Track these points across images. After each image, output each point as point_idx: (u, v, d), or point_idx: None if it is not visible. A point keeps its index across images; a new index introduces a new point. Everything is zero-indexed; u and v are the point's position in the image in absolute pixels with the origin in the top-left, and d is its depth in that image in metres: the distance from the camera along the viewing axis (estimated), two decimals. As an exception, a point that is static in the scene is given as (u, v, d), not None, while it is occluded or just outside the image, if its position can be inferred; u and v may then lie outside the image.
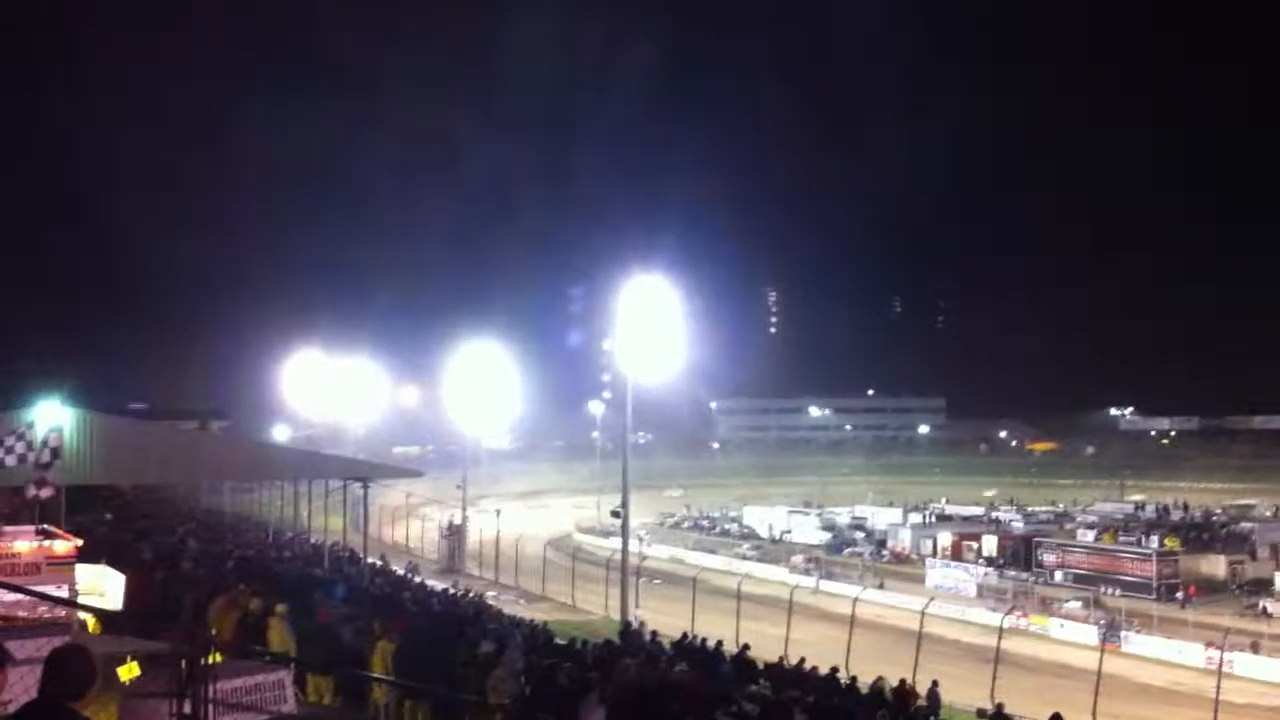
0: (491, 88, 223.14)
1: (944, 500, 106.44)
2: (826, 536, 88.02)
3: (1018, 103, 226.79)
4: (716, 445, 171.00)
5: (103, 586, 24.27)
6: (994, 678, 36.55)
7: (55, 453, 24.99)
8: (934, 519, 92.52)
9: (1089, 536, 75.84)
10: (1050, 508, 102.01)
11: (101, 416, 34.15)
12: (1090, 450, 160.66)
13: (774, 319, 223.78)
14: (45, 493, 24.46)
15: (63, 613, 14.86)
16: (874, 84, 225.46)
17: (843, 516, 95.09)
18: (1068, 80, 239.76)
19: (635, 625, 38.29)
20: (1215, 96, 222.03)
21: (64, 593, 19.25)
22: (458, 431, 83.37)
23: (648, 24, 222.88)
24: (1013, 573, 68.59)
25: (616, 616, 46.01)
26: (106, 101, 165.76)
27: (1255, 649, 45.93)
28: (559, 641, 27.56)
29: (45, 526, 24.15)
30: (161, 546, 33.84)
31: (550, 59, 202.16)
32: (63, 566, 21.56)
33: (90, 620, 15.29)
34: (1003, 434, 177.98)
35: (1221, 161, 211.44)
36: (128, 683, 9.95)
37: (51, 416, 28.44)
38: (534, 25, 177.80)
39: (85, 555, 23.79)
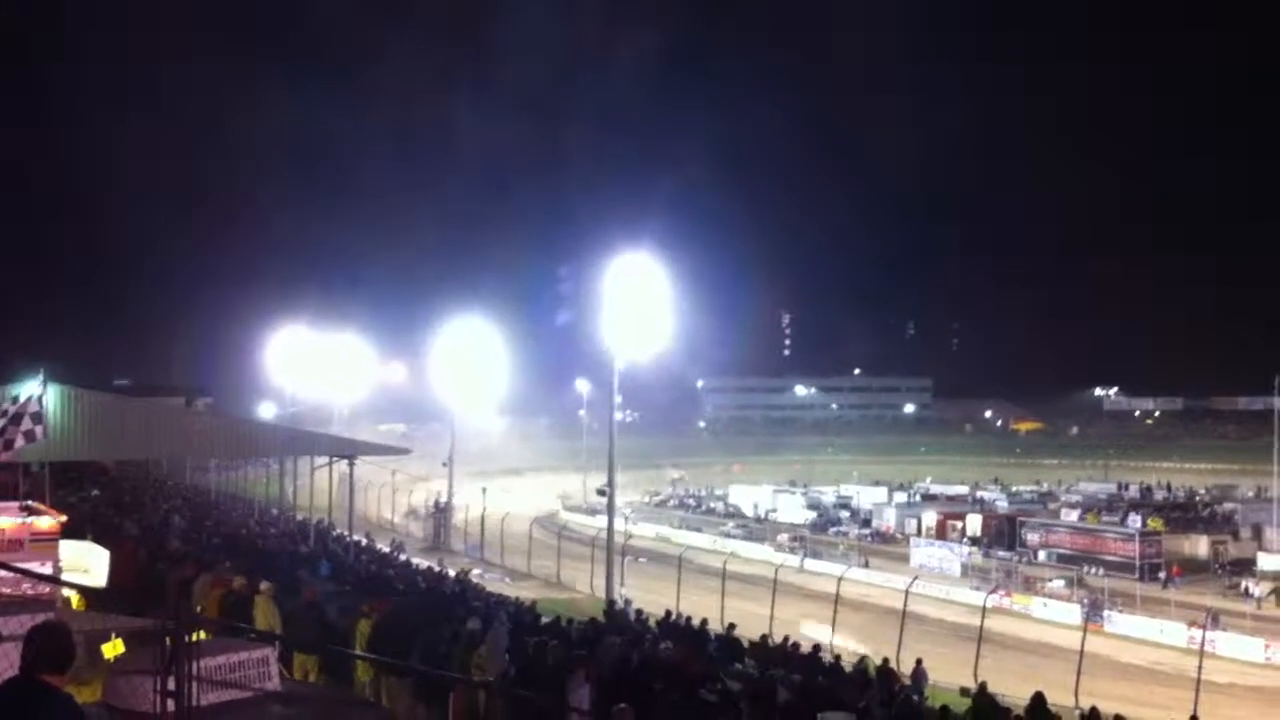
0: (484, 67, 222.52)
1: (928, 479, 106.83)
2: (812, 515, 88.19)
3: (1015, 100, 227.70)
4: (702, 424, 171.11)
5: (87, 563, 24.23)
6: (977, 656, 36.73)
7: (36, 419, 24.89)
8: (919, 498, 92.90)
9: (1073, 516, 76.10)
10: (1034, 487, 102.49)
11: (85, 393, 34.00)
12: (1075, 430, 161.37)
13: (786, 325, 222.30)
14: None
15: (46, 589, 14.82)
16: (872, 70, 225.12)
17: (828, 495, 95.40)
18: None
19: (620, 604, 38.38)
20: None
21: (48, 569, 19.22)
22: (444, 409, 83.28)
23: (645, 10, 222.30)
24: (997, 552, 68.89)
25: (602, 595, 46.12)
26: (93, 82, 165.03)
27: (1216, 621, 46.12)
28: (544, 619, 27.56)
29: (30, 503, 24.09)
30: (146, 524, 33.82)
31: (544, 40, 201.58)
32: (47, 543, 21.50)
33: (74, 597, 15.27)
34: (988, 414, 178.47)
35: (1211, 155, 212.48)
36: (112, 660, 9.93)
37: (34, 392, 28.33)
38: (528, 5, 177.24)
39: (70, 532, 23.76)
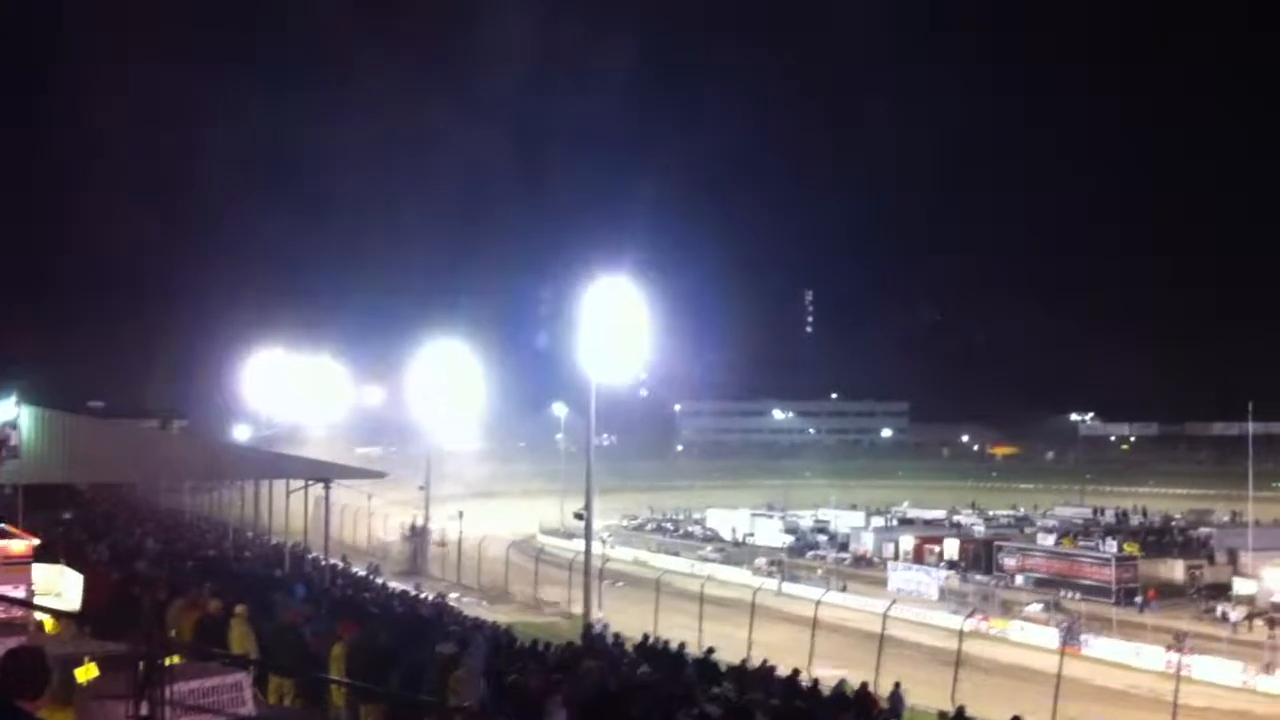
0: (462, 86, 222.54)
1: (905, 504, 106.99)
2: (789, 539, 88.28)
3: (992, 102, 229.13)
4: (680, 448, 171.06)
5: (60, 587, 24.00)
6: (955, 680, 36.76)
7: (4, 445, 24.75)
8: (896, 522, 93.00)
9: (1049, 541, 76.34)
10: (1011, 512, 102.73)
11: (59, 415, 33.74)
12: (1051, 455, 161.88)
13: (809, 323, 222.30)
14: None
15: (19, 613, 14.68)
16: (851, 84, 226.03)
17: (806, 519, 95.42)
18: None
19: (598, 628, 38.27)
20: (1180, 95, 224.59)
21: (20, 593, 19.03)
22: (421, 432, 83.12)
23: (633, 19, 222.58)
24: (974, 576, 69.05)
25: (579, 618, 45.98)
26: (67, 96, 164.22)
27: (1181, 640, 46.23)
28: (521, 643, 27.45)
29: (2, 526, 23.86)
30: (120, 547, 33.54)
31: (523, 58, 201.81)
32: (19, 566, 21.29)
33: (48, 621, 15.12)
34: (965, 438, 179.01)
35: (1190, 167, 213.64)
36: (85, 684, 9.83)
37: (7, 414, 28.12)
38: (506, 23, 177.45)
39: (42, 555, 23.53)
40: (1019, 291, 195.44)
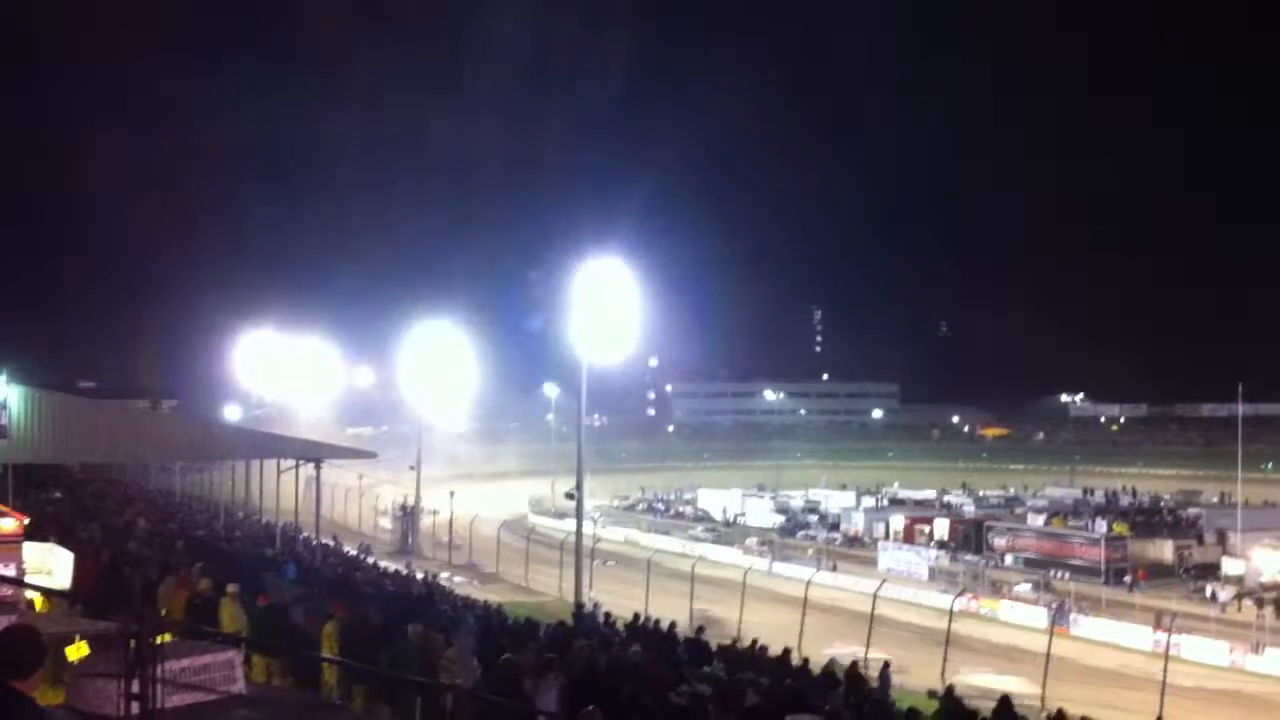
0: (454, 71, 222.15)
1: (896, 484, 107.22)
2: (780, 519, 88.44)
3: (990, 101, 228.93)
4: (671, 428, 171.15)
5: (50, 565, 24.00)
6: (945, 659, 36.90)
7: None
8: (886, 502, 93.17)
9: (1039, 521, 76.49)
10: (1001, 492, 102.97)
11: (50, 394, 33.64)
12: (1041, 436, 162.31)
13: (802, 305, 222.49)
14: None
15: (9, 592, 14.66)
16: (840, 79, 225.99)
17: (796, 500, 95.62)
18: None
19: (589, 607, 38.33)
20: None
21: (11, 572, 19.04)
22: (412, 413, 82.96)
23: (626, 9, 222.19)
24: (964, 556, 69.19)
25: (570, 598, 46.04)
26: (62, 81, 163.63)
27: (1159, 621, 46.35)
28: (512, 623, 27.48)
29: (-8, 505, 23.83)
30: (110, 526, 33.53)
31: (516, 43, 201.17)
32: (10, 545, 21.29)
33: (38, 599, 15.12)
34: (955, 419, 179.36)
35: (1180, 161, 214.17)
36: (76, 663, 9.83)
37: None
38: (500, 7, 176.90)
39: (33, 534, 23.52)
40: (1012, 277, 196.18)
